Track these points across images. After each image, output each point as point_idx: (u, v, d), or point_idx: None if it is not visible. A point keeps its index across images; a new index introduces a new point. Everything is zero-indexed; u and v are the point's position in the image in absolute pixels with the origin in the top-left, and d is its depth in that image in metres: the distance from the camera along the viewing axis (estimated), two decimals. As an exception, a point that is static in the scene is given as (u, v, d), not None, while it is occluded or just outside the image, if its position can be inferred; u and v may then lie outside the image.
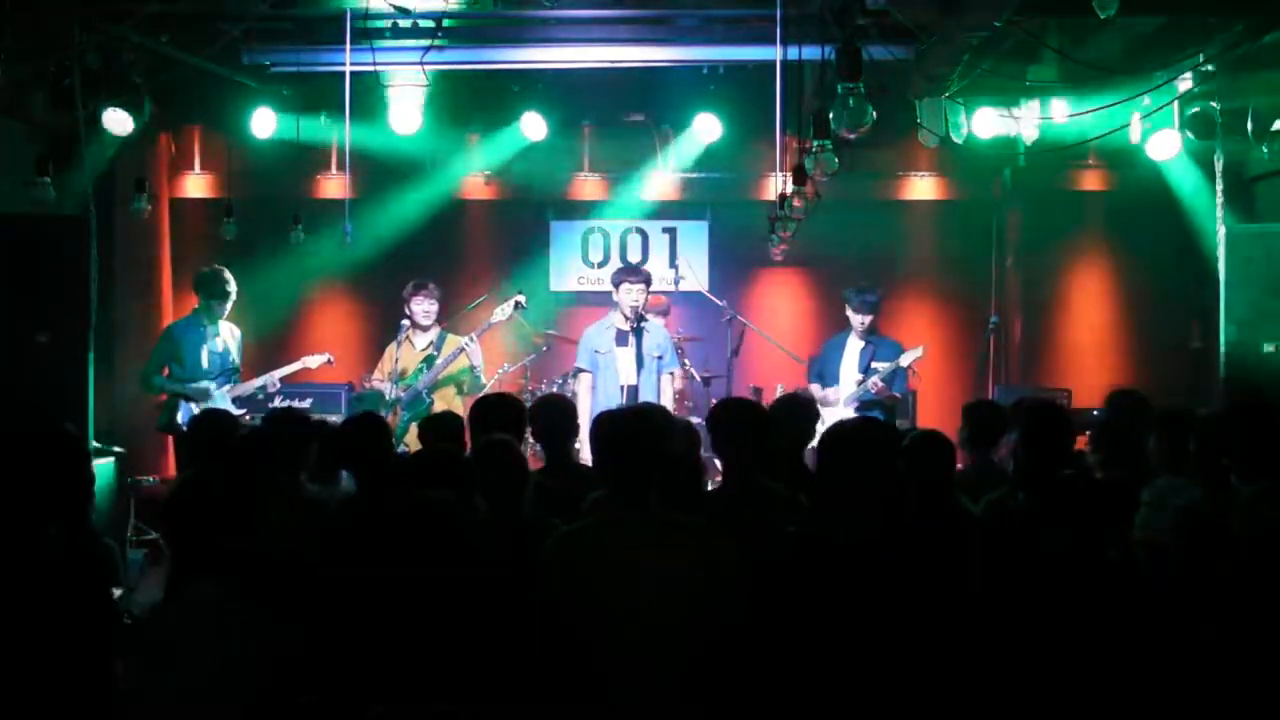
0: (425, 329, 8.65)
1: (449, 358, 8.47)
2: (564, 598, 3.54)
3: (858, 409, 8.52)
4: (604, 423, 3.78)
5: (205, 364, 8.56)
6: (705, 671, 3.46)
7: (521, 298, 8.70)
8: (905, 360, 8.48)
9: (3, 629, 3.45)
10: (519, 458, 4.39)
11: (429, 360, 8.54)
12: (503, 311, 8.56)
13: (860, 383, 8.53)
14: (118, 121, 8.59)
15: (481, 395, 5.92)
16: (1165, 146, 9.34)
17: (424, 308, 8.60)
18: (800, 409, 5.48)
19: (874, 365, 8.51)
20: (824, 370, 8.84)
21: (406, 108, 9.48)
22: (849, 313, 8.79)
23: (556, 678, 3.48)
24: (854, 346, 8.74)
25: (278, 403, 8.64)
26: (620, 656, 3.46)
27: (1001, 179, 10.85)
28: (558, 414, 5.54)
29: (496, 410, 5.36)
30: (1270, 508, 3.72)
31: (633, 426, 3.72)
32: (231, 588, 3.32)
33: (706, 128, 9.95)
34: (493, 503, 4.23)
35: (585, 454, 7.43)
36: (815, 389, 8.72)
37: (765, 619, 3.53)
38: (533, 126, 9.88)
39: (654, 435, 3.72)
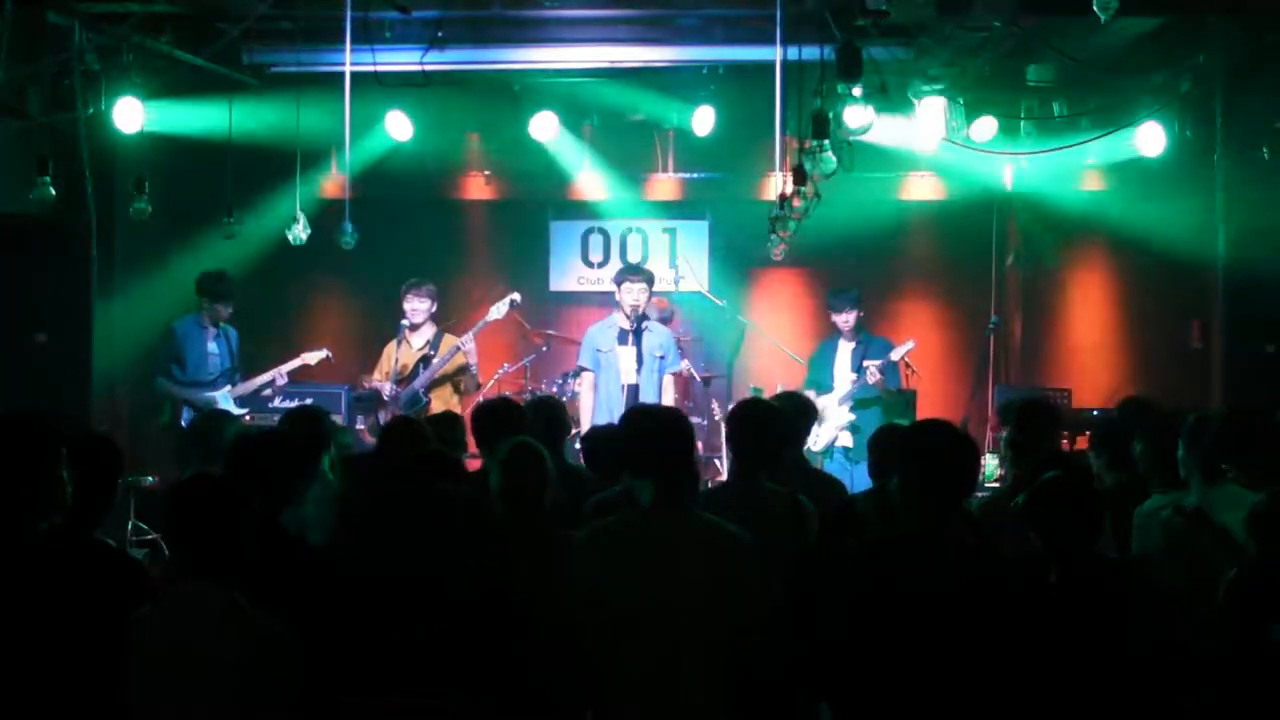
0: (419, 328, 8.65)
1: (445, 357, 8.48)
2: (597, 589, 3.56)
3: (853, 408, 8.54)
4: (640, 419, 3.82)
5: (206, 364, 8.56)
6: (730, 672, 3.48)
7: (517, 296, 8.71)
8: (895, 355, 8.51)
9: (8, 628, 3.47)
10: (542, 461, 4.34)
11: (425, 360, 8.54)
12: (498, 310, 8.56)
13: (855, 381, 8.54)
14: (127, 115, 8.58)
15: (481, 400, 5.92)
16: (1153, 140, 9.33)
17: (414, 306, 8.61)
18: (799, 409, 5.48)
19: (866, 364, 8.52)
20: (819, 377, 8.85)
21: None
22: (834, 318, 8.82)
23: (578, 670, 3.50)
24: (845, 349, 8.78)
25: (278, 402, 8.65)
26: (648, 652, 3.48)
27: (1001, 179, 10.85)
28: (551, 416, 5.52)
29: (502, 415, 5.36)
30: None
31: (674, 425, 3.74)
32: (230, 588, 3.32)
33: (704, 122, 9.95)
34: (513, 504, 4.22)
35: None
36: (811, 395, 8.72)
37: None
38: (542, 127, 9.90)
39: (690, 436, 3.75)
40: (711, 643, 3.48)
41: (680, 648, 3.47)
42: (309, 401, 8.90)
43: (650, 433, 3.72)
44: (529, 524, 4.18)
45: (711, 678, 3.49)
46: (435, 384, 8.55)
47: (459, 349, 8.43)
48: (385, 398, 8.45)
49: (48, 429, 3.69)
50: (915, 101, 9.31)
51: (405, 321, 8.60)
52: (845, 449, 8.51)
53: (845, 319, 8.74)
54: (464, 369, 8.53)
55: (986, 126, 9.47)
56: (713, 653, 3.49)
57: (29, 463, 3.55)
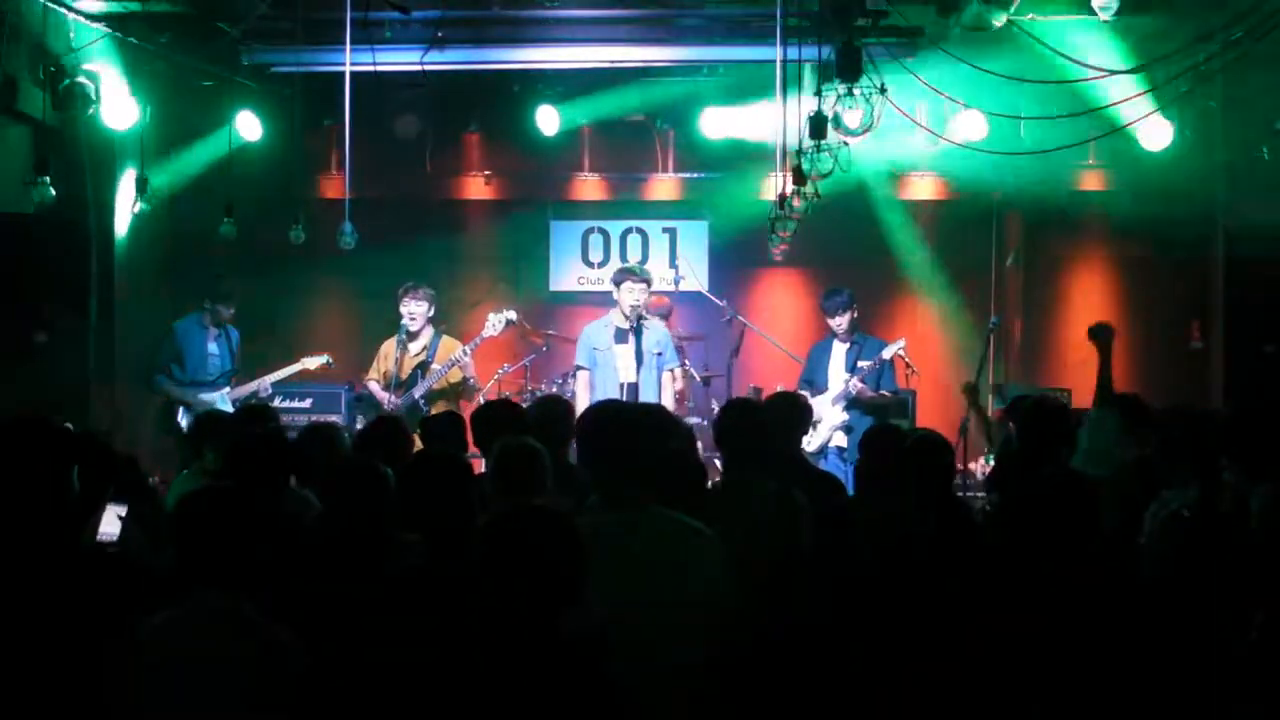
0: (416, 333, 8.59)
1: (442, 369, 8.41)
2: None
3: (847, 408, 8.53)
4: (590, 418, 3.81)
5: (206, 365, 8.56)
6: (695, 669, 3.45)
7: (514, 314, 8.66)
8: (887, 353, 8.50)
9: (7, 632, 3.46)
10: (537, 459, 4.26)
11: (423, 366, 8.49)
12: (494, 327, 8.51)
13: (849, 382, 8.53)
14: (119, 114, 8.57)
15: (485, 402, 5.89)
16: (1156, 135, 9.32)
17: (411, 310, 8.54)
18: (794, 406, 5.49)
19: (860, 364, 8.52)
20: (813, 377, 8.84)
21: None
22: (828, 321, 8.81)
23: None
24: (839, 349, 8.78)
25: (279, 403, 8.64)
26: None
27: (1002, 178, 10.85)
28: (554, 416, 5.49)
29: (502, 417, 5.36)
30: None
31: (617, 421, 3.70)
32: (236, 599, 3.29)
33: (707, 126, 9.96)
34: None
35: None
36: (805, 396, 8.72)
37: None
38: (543, 125, 9.90)
39: (642, 432, 3.64)
40: (679, 643, 3.40)
41: (647, 650, 3.32)
42: (308, 403, 8.93)
43: (590, 432, 3.71)
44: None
45: (683, 676, 3.41)
46: (432, 396, 8.50)
47: (455, 363, 8.37)
48: (385, 407, 8.39)
49: (55, 433, 3.69)
50: (915, 102, 9.31)
51: (404, 325, 8.56)
52: (840, 449, 8.50)
53: (838, 322, 8.73)
54: (462, 381, 8.50)
55: (985, 125, 9.46)
56: (682, 654, 3.40)
57: (37, 466, 3.54)
